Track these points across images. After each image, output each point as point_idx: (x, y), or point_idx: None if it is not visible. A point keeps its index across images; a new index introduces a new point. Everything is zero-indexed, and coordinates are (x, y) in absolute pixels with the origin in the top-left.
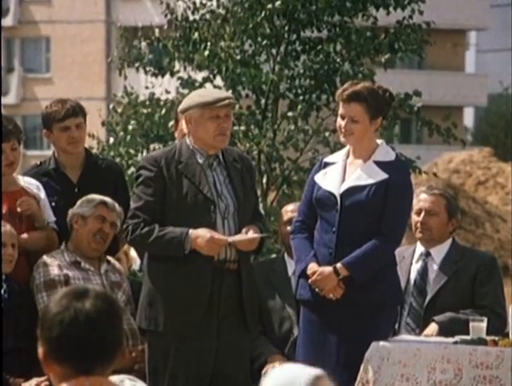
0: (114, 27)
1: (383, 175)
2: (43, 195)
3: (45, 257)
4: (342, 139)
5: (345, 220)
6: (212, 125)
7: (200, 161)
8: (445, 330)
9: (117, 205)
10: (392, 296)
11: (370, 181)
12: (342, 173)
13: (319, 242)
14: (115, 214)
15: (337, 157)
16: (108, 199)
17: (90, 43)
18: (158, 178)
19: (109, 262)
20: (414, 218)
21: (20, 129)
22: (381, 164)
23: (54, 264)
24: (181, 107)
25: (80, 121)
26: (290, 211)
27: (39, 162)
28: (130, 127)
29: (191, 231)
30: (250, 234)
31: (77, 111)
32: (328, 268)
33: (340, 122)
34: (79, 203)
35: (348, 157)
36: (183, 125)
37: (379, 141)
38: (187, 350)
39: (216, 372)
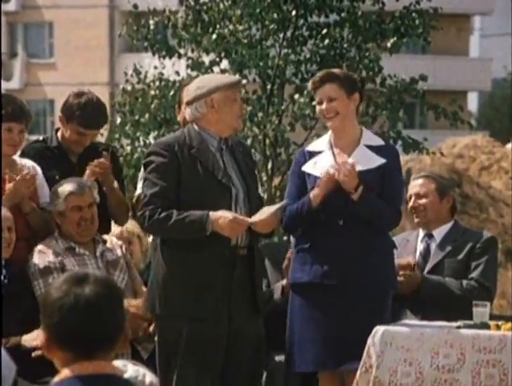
0: (117, 12)
1: (381, 160)
2: (40, 175)
3: (40, 246)
4: (328, 123)
5: (351, 206)
6: (237, 107)
7: (212, 145)
8: (426, 290)
9: (84, 183)
10: (390, 280)
11: (369, 166)
12: (333, 160)
13: (324, 229)
14: (87, 194)
15: (320, 145)
16: (73, 186)
17: (93, 27)
18: (172, 163)
19: (105, 242)
20: (409, 204)
21: (31, 115)
22: (372, 148)
23: (49, 252)
24: (201, 92)
25: (96, 133)
26: None
27: (41, 138)
28: (137, 110)
29: (211, 212)
30: (266, 209)
31: (101, 124)
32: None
33: (321, 107)
34: (50, 197)
35: (332, 144)
36: (186, 110)
37: (359, 127)
38: (200, 334)
39: (229, 358)
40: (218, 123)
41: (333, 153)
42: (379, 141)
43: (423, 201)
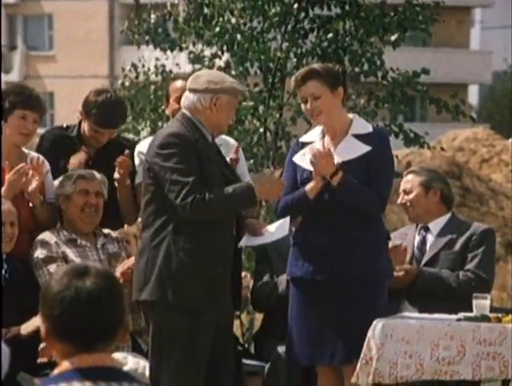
0: (117, 4)
1: (366, 148)
2: (47, 170)
3: (42, 236)
4: (314, 122)
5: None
6: (231, 115)
7: (211, 141)
8: (423, 283)
9: (96, 173)
10: (385, 272)
11: (355, 155)
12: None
13: (314, 224)
14: (97, 182)
15: (313, 136)
16: (85, 171)
17: (93, 20)
18: (193, 152)
19: (106, 236)
20: (398, 201)
21: (46, 109)
22: (360, 137)
23: (52, 242)
24: (214, 86)
25: (112, 132)
26: None
27: (65, 125)
28: (138, 103)
29: (250, 181)
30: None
31: (118, 123)
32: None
33: (305, 106)
34: (59, 181)
35: (324, 135)
36: (188, 96)
37: (351, 116)
38: (203, 327)
39: (217, 353)
40: (211, 121)
41: (323, 144)
42: (368, 129)
43: (409, 197)
